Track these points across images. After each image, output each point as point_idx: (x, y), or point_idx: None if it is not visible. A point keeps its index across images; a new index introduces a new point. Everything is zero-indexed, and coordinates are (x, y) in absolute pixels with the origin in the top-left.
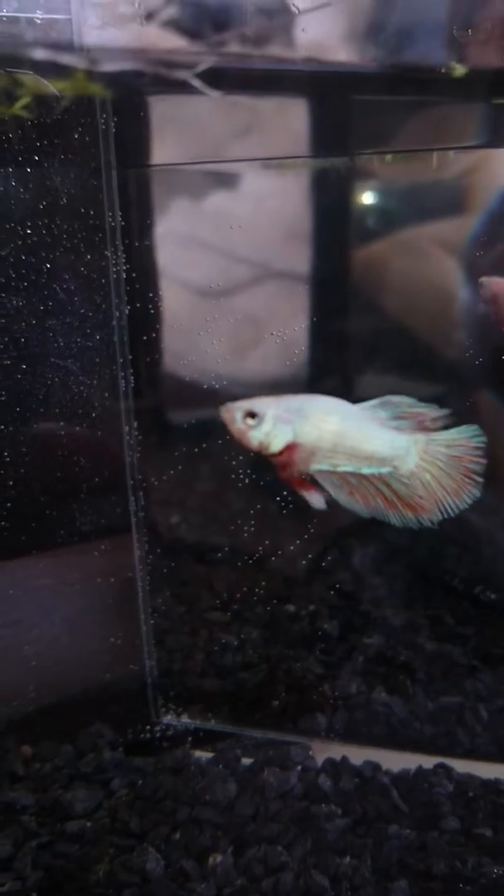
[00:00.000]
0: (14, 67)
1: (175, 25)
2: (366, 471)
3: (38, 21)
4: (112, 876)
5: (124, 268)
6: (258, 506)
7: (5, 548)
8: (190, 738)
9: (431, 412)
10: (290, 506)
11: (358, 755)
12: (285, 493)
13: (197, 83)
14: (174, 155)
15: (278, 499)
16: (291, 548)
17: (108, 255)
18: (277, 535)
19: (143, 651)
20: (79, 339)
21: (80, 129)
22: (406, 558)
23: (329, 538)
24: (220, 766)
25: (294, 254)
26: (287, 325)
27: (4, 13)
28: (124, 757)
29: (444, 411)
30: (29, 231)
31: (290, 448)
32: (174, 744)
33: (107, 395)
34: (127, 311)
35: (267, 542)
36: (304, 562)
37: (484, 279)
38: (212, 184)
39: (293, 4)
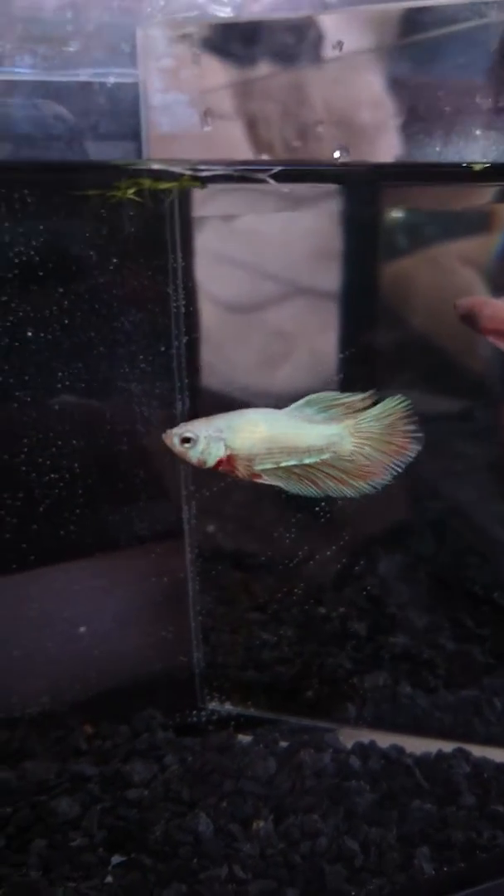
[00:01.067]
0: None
1: None
2: (308, 461)
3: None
4: (168, 836)
5: (183, 303)
6: (298, 515)
7: (72, 549)
8: (232, 723)
9: (355, 399)
10: (327, 515)
11: (384, 740)
12: (322, 503)
13: (273, 183)
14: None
15: (316, 509)
16: (326, 554)
17: (170, 292)
18: (312, 542)
19: (191, 644)
20: (143, 365)
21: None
22: (430, 566)
23: (359, 547)
24: (261, 746)
25: (326, 272)
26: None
27: None
28: (174, 737)
29: (367, 394)
30: (104, 271)
31: (228, 459)
32: (218, 727)
33: (165, 414)
34: (185, 341)
35: (303, 549)
36: (336, 568)
37: (456, 301)
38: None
39: None
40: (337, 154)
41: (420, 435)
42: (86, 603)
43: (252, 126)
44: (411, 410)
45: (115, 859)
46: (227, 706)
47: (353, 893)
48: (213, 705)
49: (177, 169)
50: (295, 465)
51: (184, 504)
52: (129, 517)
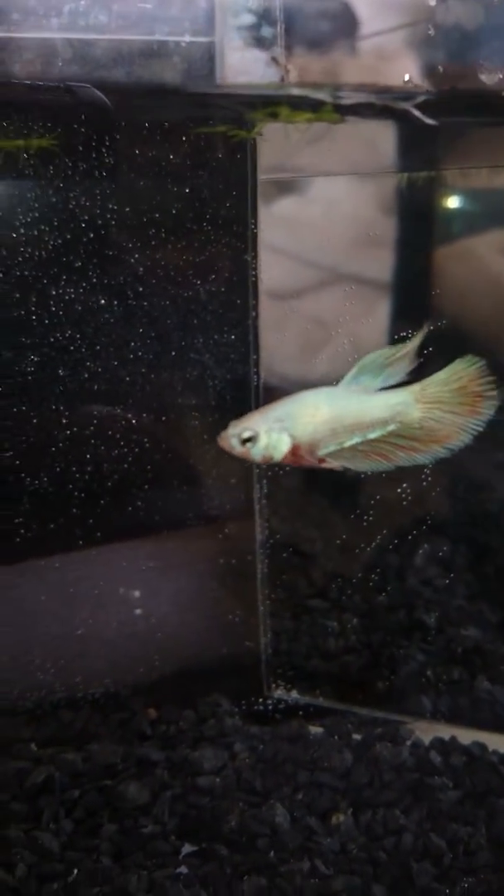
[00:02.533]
0: None
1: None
2: (373, 435)
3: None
4: (244, 826)
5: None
6: (370, 500)
7: (139, 527)
8: (300, 713)
9: (408, 350)
10: (407, 498)
11: (463, 737)
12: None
13: (417, 113)
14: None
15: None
16: (396, 541)
17: (248, 259)
18: (382, 528)
19: (258, 630)
20: (217, 336)
21: (232, 147)
22: (499, 558)
23: (424, 536)
24: (335, 737)
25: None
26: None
27: None
28: (242, 724)
29: (417, 338)
30: (182, 236)
31: (293, 450)
32: (285, 716)
33: (239, 388)
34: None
35: (372, 535)
36: (402, 556)
37: None
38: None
39: None
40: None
41: (494, 394)
42: (149, 584)
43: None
44: (484, 371)
45: (186, 849)
46: (294, 695)
47: (447, 891)
48: (278, 693)
49: (320, 95)
50: (360, 442)
51: (256, 483)
52: (197, 497)
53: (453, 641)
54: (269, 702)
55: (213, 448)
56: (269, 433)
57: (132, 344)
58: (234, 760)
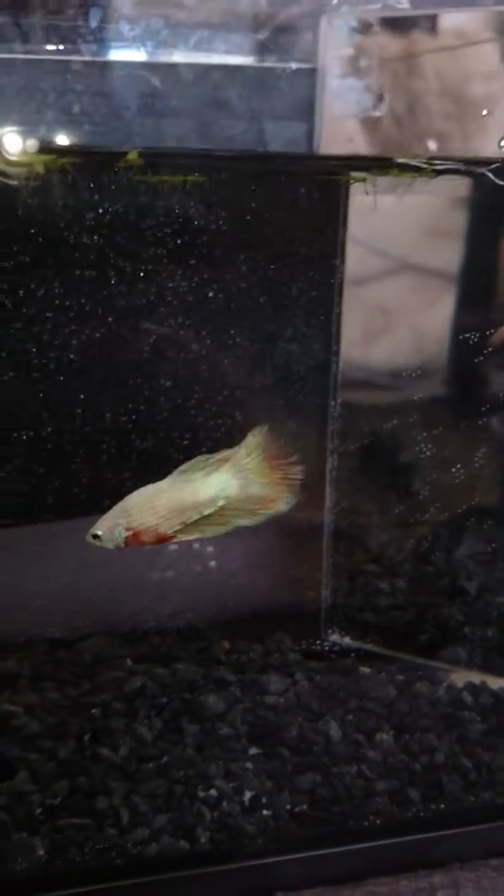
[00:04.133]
0: None
1: None
2: (207, 511)
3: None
4: (303, 736)
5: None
6: (427, 479)
7: None
8: (353, 654)
9: (226, 453)
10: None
11: (492, 683)
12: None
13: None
14: None
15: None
16: (453, 514)
17: (336, 263)
18: (436, 505)
19: (320, 582)
20: (303, 328)
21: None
22: None
23: (473, 515)
24: (382, 674)
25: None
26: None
27: None
28: (302, 659)
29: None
30: (277, 241)
31: (135, 535)
32: (338, 657)
33: (319, 373)
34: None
35: (426, 510)
36: (451, 531)
37: None
38: None
39: None
40: None
41: (295, 458)
42: (231, 535)
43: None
44: (275, 438)
45: (253, 752)
46: (347, 640)
47: (471, 798)
48: (334, 637)
49: (415, 162)
50: (201, 518)
51: (329, 455)
52: None
53: (490, 606)
54: (326, 644)
55: (293, 423)
56: (111, 529)
57: (231, 331)
58: (294, 686)
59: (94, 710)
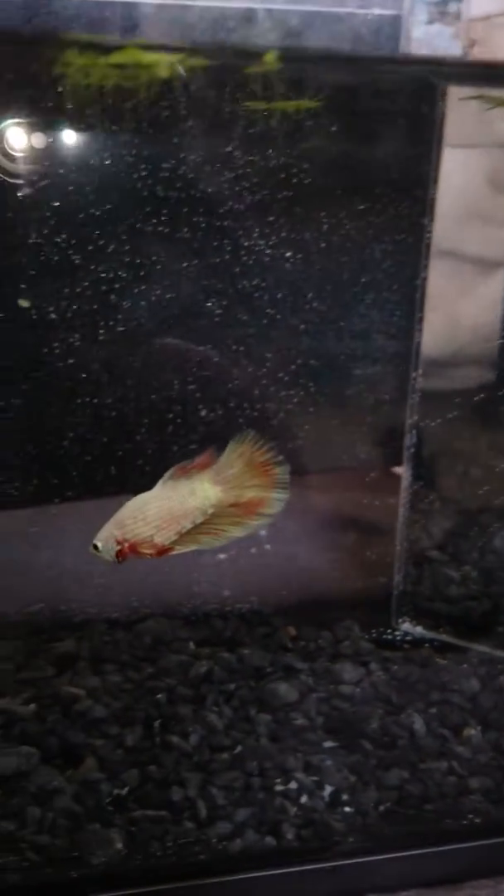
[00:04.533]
0: None
1: None
2: (199, 520)
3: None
4: (385, 729)
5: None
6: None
7: (299, 466)
8: (426, 644)
9: (201, 459)
10: None
11: None
12: None
13: None
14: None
15: None
16: None
17: (425, 223)
18: None
19: (393, 568)
20: (386, 294)
21: (419, 113)
22: None
23: None
24: (465, 665)
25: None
26: None
27: None
28: (375, 648)
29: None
30: (360, 197)
31: (130, 547)
32: (412, 646)
33: (402, 343)
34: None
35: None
36: None
37: None
38: None
39: None
40: None
41: (281, 458)
42: (300, 517)
43: None
44: (259, 442)
45: (330, 744)
46: (419, 629)
47: None
48: (405, 626)
49: None
50: (194, 528)
51: (407, 431)
52: (350, 438)
53: None
54: (397, 633)
55: (371, 396)
56: (106, 540)
57: (309, 295)
58: (369, 676)
59: (159, 696)
